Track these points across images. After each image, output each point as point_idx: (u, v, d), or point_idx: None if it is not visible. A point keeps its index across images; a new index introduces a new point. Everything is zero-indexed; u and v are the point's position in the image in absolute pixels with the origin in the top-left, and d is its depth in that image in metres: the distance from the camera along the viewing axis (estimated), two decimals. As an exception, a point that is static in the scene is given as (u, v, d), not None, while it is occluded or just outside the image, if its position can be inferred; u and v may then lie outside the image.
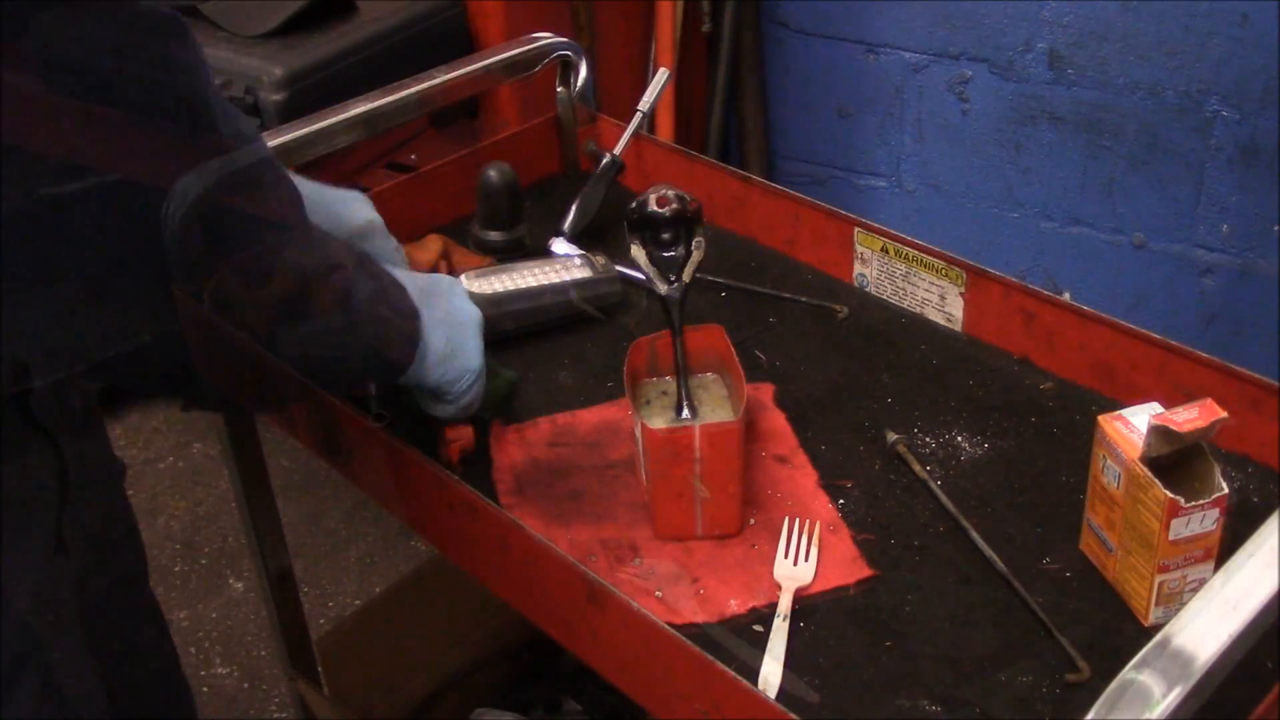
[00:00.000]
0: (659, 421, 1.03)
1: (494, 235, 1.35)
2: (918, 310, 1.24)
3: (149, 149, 0.83)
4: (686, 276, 1.03)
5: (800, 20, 2.41)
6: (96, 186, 0.81)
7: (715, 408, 1.04)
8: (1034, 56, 2.16)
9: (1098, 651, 0.89)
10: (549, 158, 1.50)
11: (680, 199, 1.03)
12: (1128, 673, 0.64)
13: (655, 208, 1.03)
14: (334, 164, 1.92)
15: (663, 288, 1.03)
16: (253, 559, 1.45)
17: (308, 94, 1.83)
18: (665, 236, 1.04)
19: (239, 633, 2.21)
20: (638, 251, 1.04)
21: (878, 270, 1.26)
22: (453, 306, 1.02)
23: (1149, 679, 0.64)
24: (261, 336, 0.96)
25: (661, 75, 1.46)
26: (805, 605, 0.94)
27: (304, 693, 1.53)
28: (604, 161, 1.40)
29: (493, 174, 1.33)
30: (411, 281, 1.01)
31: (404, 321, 0.98)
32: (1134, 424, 0.91)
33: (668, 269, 1.04)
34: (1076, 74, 2.14)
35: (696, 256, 1.04)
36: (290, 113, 1.78)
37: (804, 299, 1.28)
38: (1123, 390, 1.10)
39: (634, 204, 1.04)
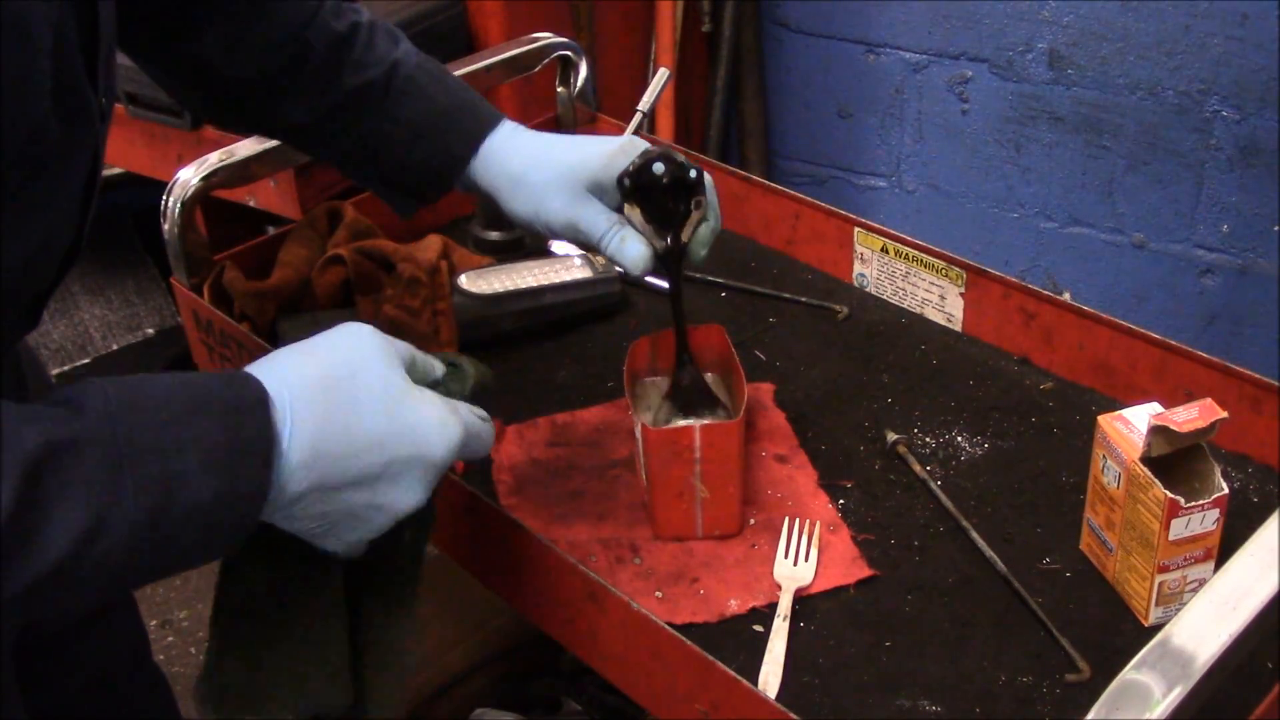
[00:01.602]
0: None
1: (494, 235, 1.35)
2: (918, 310, 1.24)
3: None
4: (685, 236, 0.97)
5: (800, 20, 2.41)
6: None
7: (715, 408, 1.04)
8: (1034, 56, 2.16)
9: (1098, 651, 0.89)
10: (549, 158, 1.50)
11: (681, 166, 0.95)
12: (1128, 673, 0.64)
13: (653, 173, 0.95)
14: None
15: (659, 244, 0.96)
16: (253, 559, 1.45)
17: (308, 94, 1.83)
18: (663, 202, 0.96)
19: (239, 633, 2.21)
20: (631, 210, 0.96)
21: (878, 270, 1.26)
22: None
23: (1149, 679, 0.64)
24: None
25: (661, 75, 1.46)
26: (805, 605, 0.94)
27: (304, 693, 1.53)
28: (604, 161, 1.40)
29: (493, 174, 1.33)
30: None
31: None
32: (1134, 424, 0.91)
33: (665, 225, 0.96)
34: (1076, 74, 2.14)
35: (697, 216, 0.97)
36: (290, 113, 1.77)
37: (804, 299, 1.28)
38: (1123, 390, 1.10)
39: (630, 168, 0.95)
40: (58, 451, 0.62)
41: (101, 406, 0.64)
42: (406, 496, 0.75)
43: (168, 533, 0.66)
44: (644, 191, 0.96)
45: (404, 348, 0.80)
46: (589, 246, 0.98)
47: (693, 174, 0.95)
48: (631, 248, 0.95)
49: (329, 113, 1.01)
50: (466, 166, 1.02)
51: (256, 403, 0.69)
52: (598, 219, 0.96)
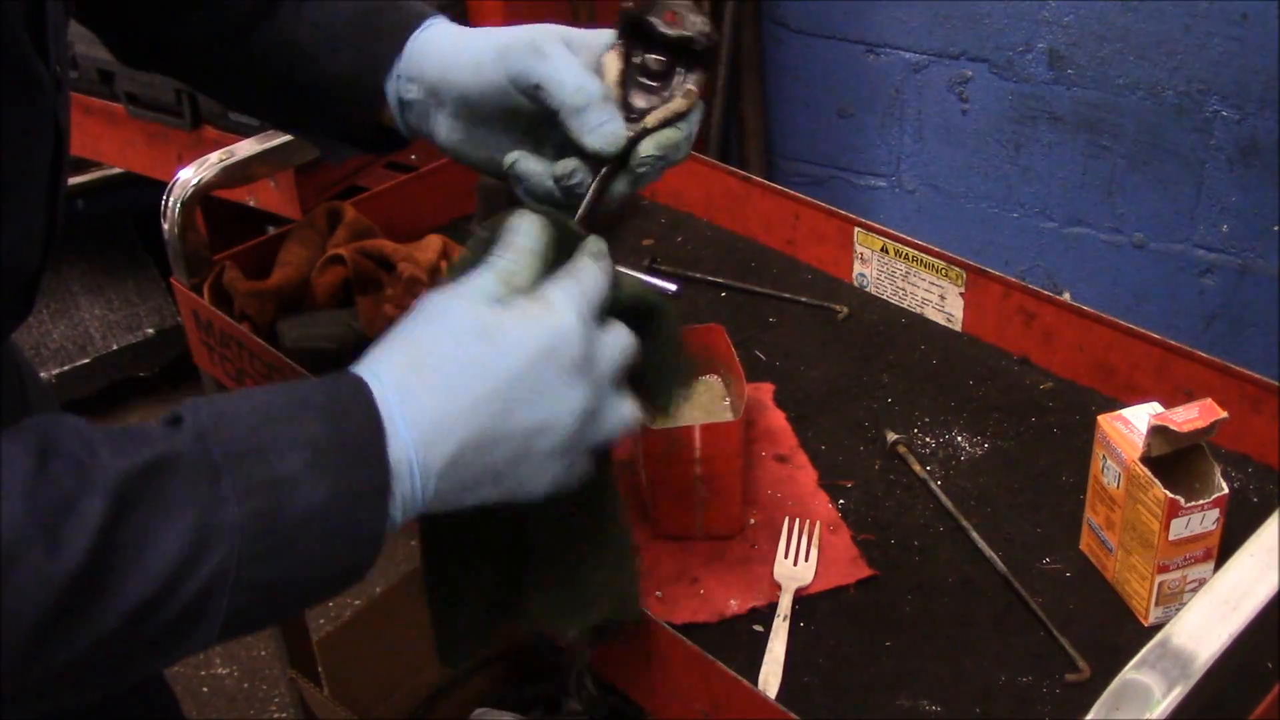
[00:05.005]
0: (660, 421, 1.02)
1: (494, 235, 1.35)
2: (918, 310, 1.24)
3: None
4: (652, 121, 0.78)
5: (800, 20, 2.41)
6: None
7: (715, 408, 1.04)
8: (1034, 56, 2.16)
9: (1098, 651, 0.89)
10: (549, 158, 1.50)
11: (696, 25, 0.77)
12: (1128, 673, 0.64)
13: (657, 17, 0.77)
14: (334, 163, 1.92)
15: (617, 122, 0.76)
16: (253, 559, 1.45)
17: (308, 94, 1.82)
18: (654, 62, 0.78)
19: (239, 633, 2.21)
20: (612, 61, 0.78)
21: (878, 270, 1.26)
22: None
23: (1149, 679, 0.63)
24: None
25: (661, 75, 1.46)
26: (805, 605, 0.94)
27: (304, 693, 1.53)
28: (604, 161, 1.40)
29: (493, 174, 1.33)
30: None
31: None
32: (1134, 424, 0.91)
33: (645, 92, 0.78)
34: (1076, 74, 2.14)
35: (679, 105, 0.78)
36: (290, 113, 1.77)
37: (804, 299, 1.28)
38: (1123, 390, 1.10)
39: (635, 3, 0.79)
40: (152, 470, 0.58)
41: (193, 421, 0.61)
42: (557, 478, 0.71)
43: (282, 542, 0.60)
44: (640, 36, 0.79)
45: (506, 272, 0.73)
46: (542, 114, 0.78)
47: (699, 42, 0.78)
48: (610, 118, 0.77)
49: (233, 29, 0.89)
50: (391, 68, 0.86)
51: (355, 392, 0.64)
52: (571, 69, 0.76)
